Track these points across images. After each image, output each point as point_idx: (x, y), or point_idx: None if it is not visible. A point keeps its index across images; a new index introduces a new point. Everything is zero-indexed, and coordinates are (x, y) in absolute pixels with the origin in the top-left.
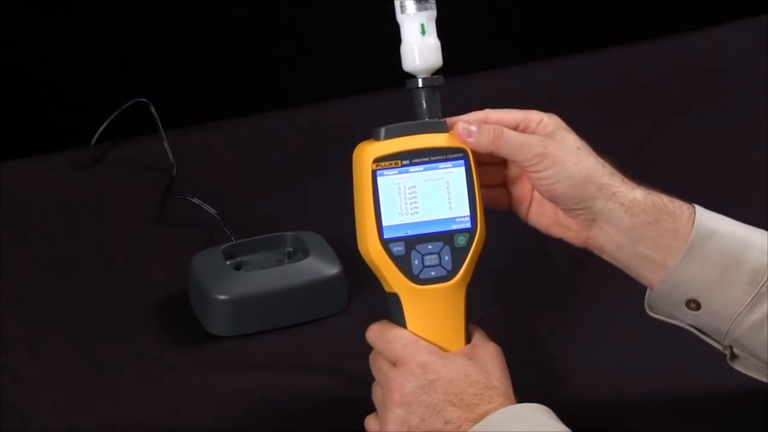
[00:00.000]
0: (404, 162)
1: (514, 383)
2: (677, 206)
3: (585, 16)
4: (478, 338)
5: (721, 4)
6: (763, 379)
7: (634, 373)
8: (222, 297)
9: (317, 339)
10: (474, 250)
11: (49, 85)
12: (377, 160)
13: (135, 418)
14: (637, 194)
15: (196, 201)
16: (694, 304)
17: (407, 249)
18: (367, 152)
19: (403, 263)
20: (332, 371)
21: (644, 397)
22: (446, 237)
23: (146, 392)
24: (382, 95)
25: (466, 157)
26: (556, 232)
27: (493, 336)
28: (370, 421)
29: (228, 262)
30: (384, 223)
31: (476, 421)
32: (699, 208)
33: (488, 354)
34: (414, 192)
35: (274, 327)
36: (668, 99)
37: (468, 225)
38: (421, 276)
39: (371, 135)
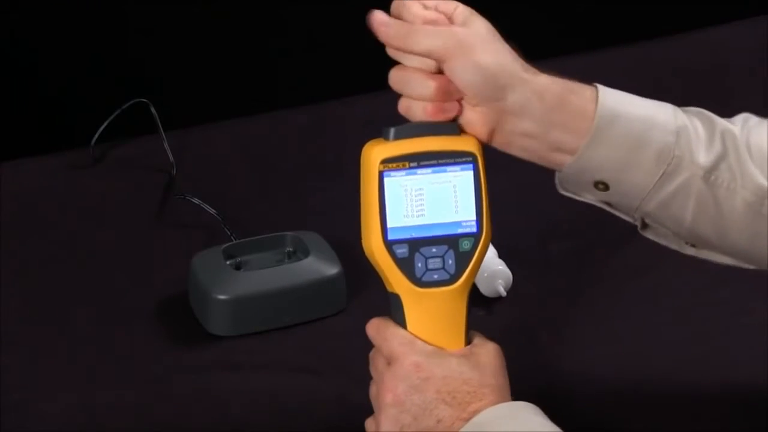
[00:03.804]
0: (412, 164)
1: (512, 383)
2: (580, 86)
3: (585, 16)
4: (478, 339)
5: (721, 4)
6: (673, 246)
7: (634, 373)
8: (222, 297)
9: (317, 339)
10: (478, 255)
11: (49, 85)
12: (385, 161)
13: (135, 418)
14: (543, 79)
15: (196, 201)
16: (602, 186)
17: (411, 251)
18: (375, 153)
19: (405, 265)
20: (332, 371)
21: (644, 397)
22: (451, 241)
23: (146, 392)
24: (383, 95)
25: (475, 161)
26: None
27: (492, 336)
28: (369, 422)
29: (228, 262)
30: (389, 225)
31: (468, 419)
32: (602, 88)
33: (486, 353)
34: (421, 194)
35: (274, 327)
36: (668, 99)
37: (474, 229)
38: (424, 279)
39: (380, 134)
